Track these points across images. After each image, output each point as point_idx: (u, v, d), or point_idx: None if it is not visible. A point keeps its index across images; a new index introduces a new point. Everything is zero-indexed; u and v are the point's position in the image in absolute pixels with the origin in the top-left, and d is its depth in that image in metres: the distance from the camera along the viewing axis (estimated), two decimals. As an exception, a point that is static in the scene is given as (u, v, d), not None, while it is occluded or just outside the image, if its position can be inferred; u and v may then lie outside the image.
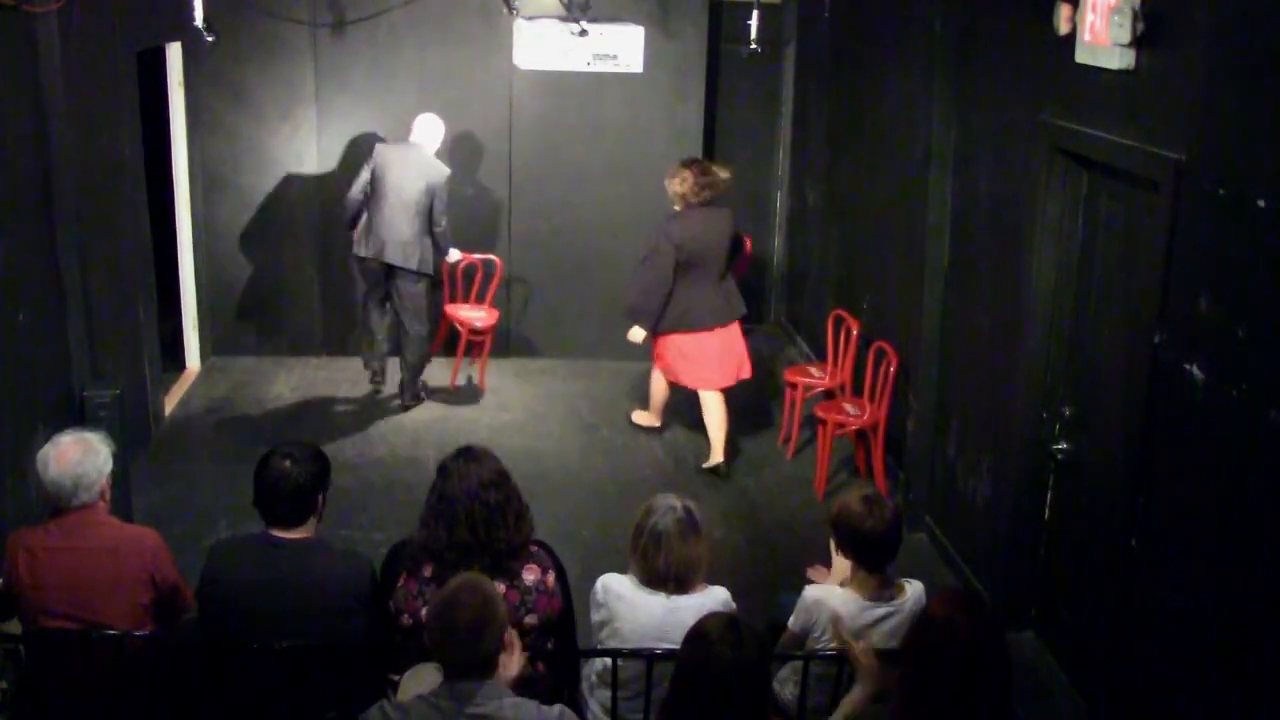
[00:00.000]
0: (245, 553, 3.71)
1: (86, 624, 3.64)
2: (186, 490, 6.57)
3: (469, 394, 8.17)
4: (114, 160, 6.70)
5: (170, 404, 7.76)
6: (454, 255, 8.00)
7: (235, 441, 7.19)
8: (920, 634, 2.88)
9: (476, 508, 3.58)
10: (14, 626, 3.83)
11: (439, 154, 7.68)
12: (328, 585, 3.65)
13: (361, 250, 7.50)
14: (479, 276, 8.42)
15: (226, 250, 8.52)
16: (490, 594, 3.06)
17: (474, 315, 8.28)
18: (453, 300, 8.42)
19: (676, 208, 6.92)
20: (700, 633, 2.95)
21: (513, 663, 3.22)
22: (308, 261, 8.61)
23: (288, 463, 3.64)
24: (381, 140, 8.05)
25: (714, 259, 6.90)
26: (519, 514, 3.68)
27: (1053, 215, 4.95)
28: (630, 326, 7.04)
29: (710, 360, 7.00)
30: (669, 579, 3.72)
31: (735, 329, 7.08)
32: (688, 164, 6.96)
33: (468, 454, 3.72)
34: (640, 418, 7.64)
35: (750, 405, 8.11)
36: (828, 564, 4.19)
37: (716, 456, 7.04)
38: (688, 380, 7.09)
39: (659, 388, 7.40)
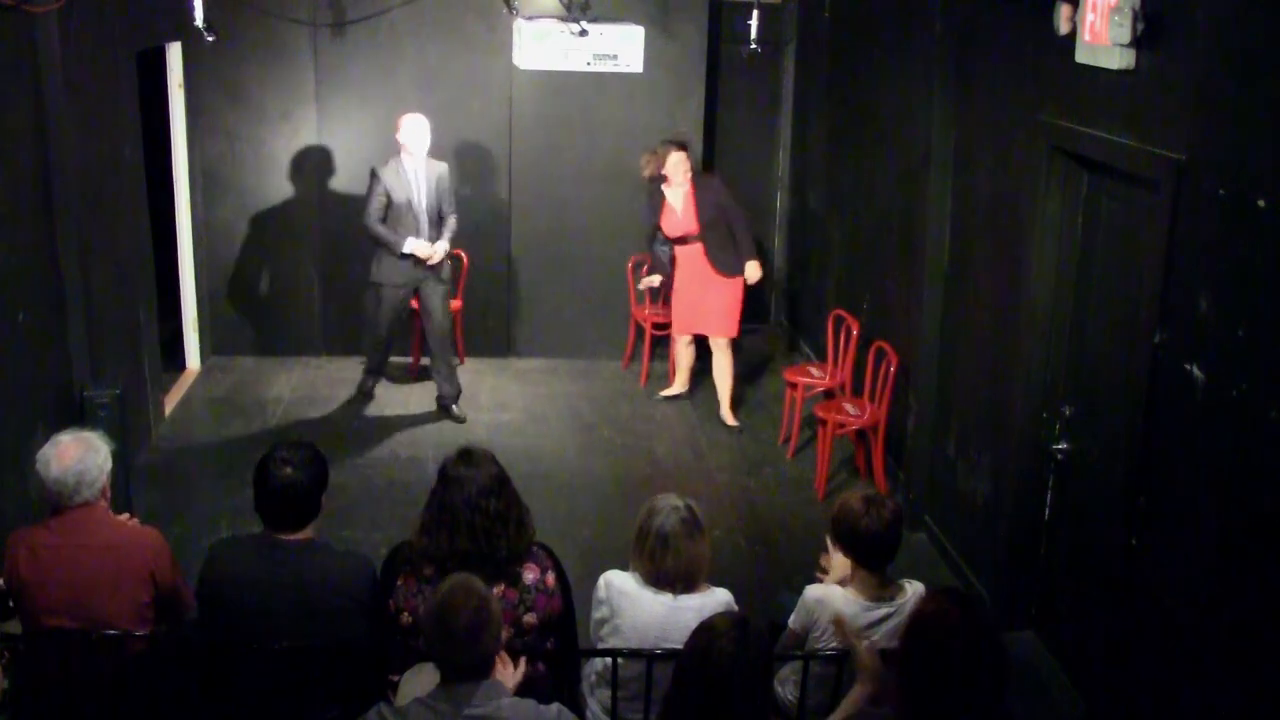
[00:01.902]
0: (246, 552, 3.71)
1: (86, 622, 3.65)
2: (186, 490, 6.57)
3: (468, 394, 8.16)
4: (114, 160, 6.70)
5: (170, 404, 7.76)
6: (410, 246, 7.34)
7: (235, 441, 7.19)
8: (914, 630, 2.88)
9: (477, 518, 3.56)
10: (15, 626, 3.84)
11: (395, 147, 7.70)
12: (328, 585, 3.65)
13: None
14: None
15: (226, 250, 8.52)
16: (485, 596, 3.05)
17: None
18: None
19: (691, 176, 7.52)
20: (707, 626, 2.97)
21: (509, 676, 3.21)
22: (308, 261, 8.61)
23: (289, 469, 3.63)
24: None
25: None
26: (519, 521, 3.66)
27: (1053, 215, 4.95)
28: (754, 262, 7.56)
29: None
30: (676, 579, 3.72)
31: None
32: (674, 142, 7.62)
33: (467, 458, 3.69)
34: (729, 417, 7.76)
35: (750, 405, 8.12)
36: (820, 568, 4.18)
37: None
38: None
39: (731, 366, 7.73)
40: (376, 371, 8.01)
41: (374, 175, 7.33)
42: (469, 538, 3.55)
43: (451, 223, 7.52)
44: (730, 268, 7.51)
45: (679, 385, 8.13)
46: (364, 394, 7.99)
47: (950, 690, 2.74)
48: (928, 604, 2.96)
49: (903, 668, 2.87)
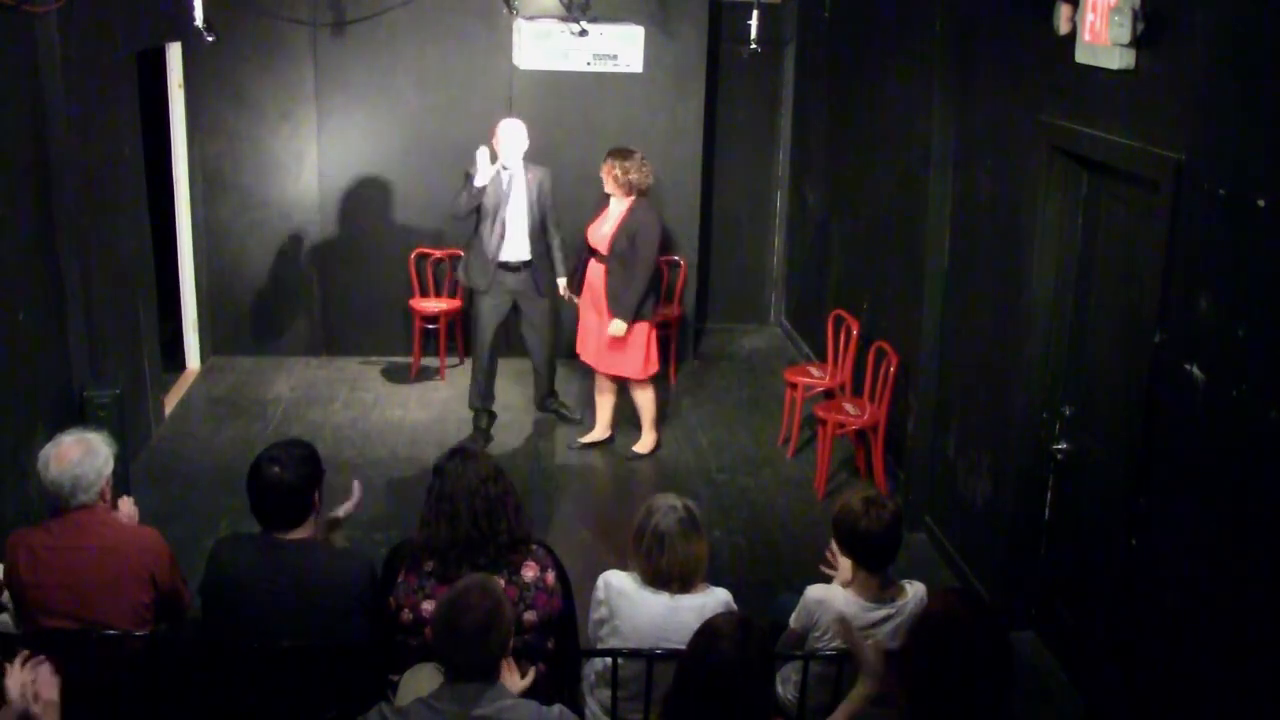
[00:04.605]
0: (248, 551, 3.71)
1: (87, 623, 3.65)
2: (186, 490, 6.57)
3: (461, 391, 8.16)
4: (114, 160, 6.70)
5: (170, 404, 7.76)
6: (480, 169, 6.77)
7: (235, 441, 7.19)
8: (922, 629, 2.89)
9: (478, 501, 3.60)
10: (14, 627, 3.84)
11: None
12: (329, 584, 3.65)
13: None
14: (448, 272, 8.55)
15: (226, 250, 8.52)
16: (499, 598, 3.07)
17: (430, 304, 8.43)
18: (423, 294, 8.54)
19: (632, 198, 6.73)
20: (709, 627, 2.98)
21: (514, 683, 3.21)
22: (308, 261, 8.61)
23: (277, 468, 3.64)
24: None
25: None
26: (517, 507, 3.72)
27: (1053, 215, 4.95)
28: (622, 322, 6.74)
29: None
30: (672, 578, 3.73)
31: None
32: (632, 153, 6.79)
33: (461, 454, 3.74)
34: (643, 445, 7.22)
35: (750, 405, 8.12)
36: (827, 564, 4.18)
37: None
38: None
39: (648, 401, 7.13)
40: (484, 406, 7.33)
41: (467, 177, 6.83)
42: (470, 522, 3.58)
43: (558, 244, 7.03)
44: (621, 311, 6.73)
45: (599, 429, 7.28)
46: (482, 431, 7.31)
47: (954, 690, 2.74)
48: (935, 604, 2.97)
49: (908, 667, 2.88)
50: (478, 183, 6.75)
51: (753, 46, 8.42)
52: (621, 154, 6.79)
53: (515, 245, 6.96)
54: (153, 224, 7.47)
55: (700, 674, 2.91)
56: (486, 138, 8.41)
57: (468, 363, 8.66)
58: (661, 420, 7.42)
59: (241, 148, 8.36)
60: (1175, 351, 3.99)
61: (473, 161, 6.81)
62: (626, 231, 6.70)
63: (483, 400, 7.34)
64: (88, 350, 6.01)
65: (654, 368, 7.02)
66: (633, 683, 3.73)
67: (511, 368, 8.69)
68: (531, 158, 8.63)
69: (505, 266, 6.96)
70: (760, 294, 9.95)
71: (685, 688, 2.94)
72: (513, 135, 6.89)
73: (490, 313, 7.08)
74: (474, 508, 3.59)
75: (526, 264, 7.01)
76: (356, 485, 4.24)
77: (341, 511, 4.13)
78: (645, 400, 7.10)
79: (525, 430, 7.60)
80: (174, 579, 3.89)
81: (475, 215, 6.91)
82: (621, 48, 8.38)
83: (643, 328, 6.83)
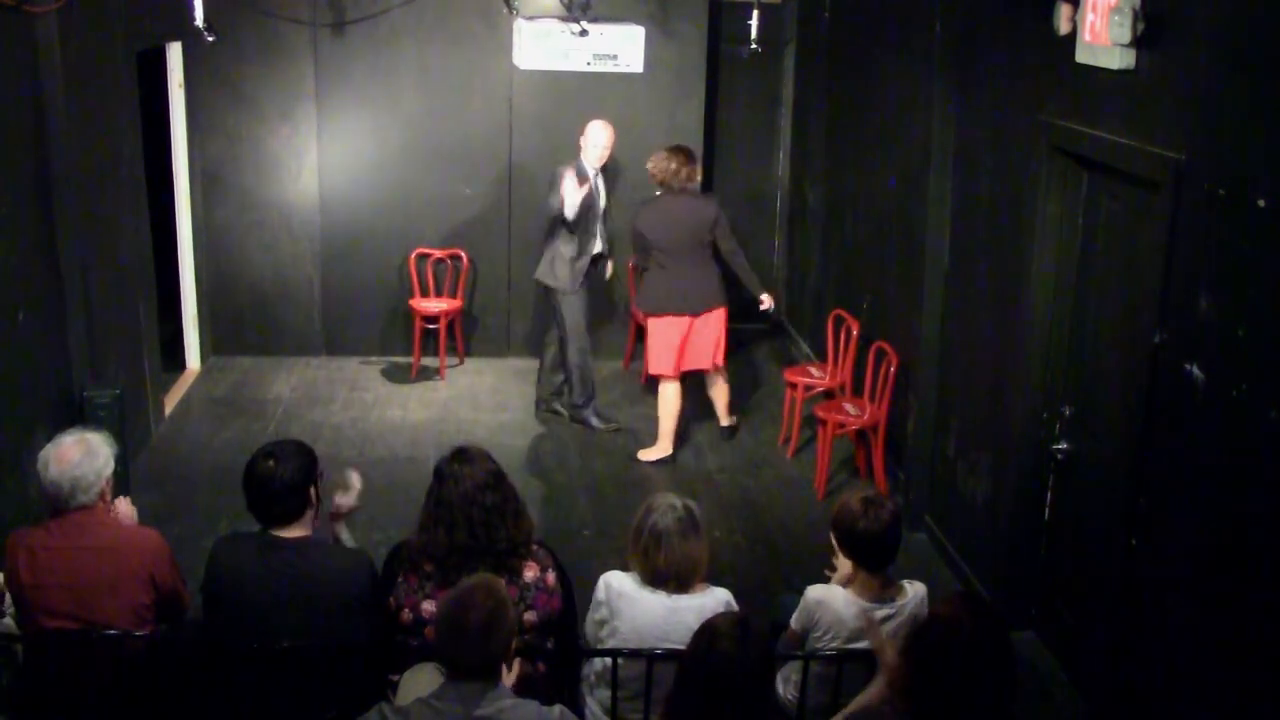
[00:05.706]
0: (248, 550, 3.71)
1: (87, 624, 3.64)
2: (186, 490, 6.57)
3: (468, 394, 8.17)
4: (114, 160, 6.70)
5: (170, 404, 7.76)
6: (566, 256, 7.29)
7: (235, 441, 7.18)
8: (924, 633, 2.89)
9: (474, 512, 3.58)
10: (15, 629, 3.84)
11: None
12: (329, 582, 3.65)
13: None
14: (448, 272, 8.57)
15: (226, 250, 8.52)
16: (502, 598, 3.06)
17: (430, 304, 8.45)
18: (423, 294, 8.54)
19: (657, 192, 7.02)
20: (709, 627, 2.99)
21: (507, 676, 3.22)
22: (308, 261, 8.61)
23: (271, 462, 3.64)
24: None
25: (684, 245, 6.89)
26: (517, 512, 3.69)
27: (1053, 215, 4.95)
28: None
29: (673, 348, 6.97)
30: (669, 578, 3.73)
31: (711, 318, 7.02)
32: (677, 152, 6.97)
33: (461, 455, 3.72)
34: (649, 453, 7.19)
35: (750, 405, 8.12)
36: (830, 566, 4.19)
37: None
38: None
39: (670, 409, 7.11)
40: (593, 394, 7.59)
41: (557, 175, 7.15)
42: (467, 532, 3.57)
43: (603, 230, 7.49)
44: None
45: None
46: (604, 417, 7.59)
47: (955, 692, 2.74)
48: (942, 608, 2.97)
49: (909, 667, 2.88)
50: (569, 215, 7.07)
51: (753, 46, 8.41)
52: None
53: (599, 240, 7.45)
54: (153, 224, 7.47)
55: (700, 674, 2.91)
56: (487, 137, 8.47)
57: (468, 362, 8.69)
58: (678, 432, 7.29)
59: (241, 148, 8.36)
60: (1175, 351, 3.99)
61: (553, 182, 7.14)
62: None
63: (588, 391, 7.55)
64: (88, 350, 6.01)
65: (649, 368, 7.10)
66: (633, 683, 3.73)
67: (511, 367, 8.71)
68: (532, 157, 8.67)
69: (591, 261, 7.40)
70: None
71: (686, 688, 2.95)
72: (594, 136, 7.22)
73: (583, 309, 7.41)
74: (470, 517, 3.58)
75: (601, 254, 7.54)
76: (354, 475, 4.11)
77: (342, 502, 4.06)
78: (660, 402, 7.14)
79: (526, 429, 7.60)
80: (174, 579, 3.88)
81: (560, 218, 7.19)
82: (621, 48, 8.39)
83: (651, 321, 7.06)
